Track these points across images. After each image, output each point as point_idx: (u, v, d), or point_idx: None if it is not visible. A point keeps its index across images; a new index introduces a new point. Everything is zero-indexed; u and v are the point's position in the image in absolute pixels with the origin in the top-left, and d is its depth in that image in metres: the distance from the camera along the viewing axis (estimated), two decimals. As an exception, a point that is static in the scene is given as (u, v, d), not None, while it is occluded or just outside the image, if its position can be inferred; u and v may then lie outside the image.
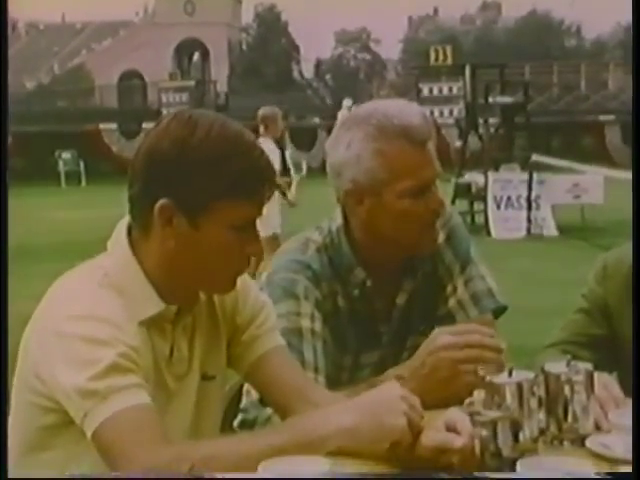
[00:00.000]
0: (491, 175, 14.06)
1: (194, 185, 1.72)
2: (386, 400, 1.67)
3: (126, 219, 1.84)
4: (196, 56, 60.04)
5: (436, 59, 21.55)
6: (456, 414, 1.72)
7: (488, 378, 1.79)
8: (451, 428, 1.69)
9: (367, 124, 2.17)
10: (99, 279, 1.77)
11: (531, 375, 1.83)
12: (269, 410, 2.09)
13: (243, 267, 1.81)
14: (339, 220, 2.30)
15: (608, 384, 2.00)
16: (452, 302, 2.36)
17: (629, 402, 1.94)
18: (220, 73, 52.99)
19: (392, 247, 2.26)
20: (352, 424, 1.64)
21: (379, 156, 2.15)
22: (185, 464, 1.59)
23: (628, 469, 1.61)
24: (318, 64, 73.24)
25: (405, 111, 2.18)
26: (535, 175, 13.80)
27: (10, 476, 1.83)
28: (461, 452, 1.65)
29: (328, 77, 72.90)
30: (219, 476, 1.54)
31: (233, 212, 1.73)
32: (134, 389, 1.67)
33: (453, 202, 13.15)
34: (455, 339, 2.06)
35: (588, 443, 1.81)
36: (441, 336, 2.09)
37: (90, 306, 1.72)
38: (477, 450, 1.65)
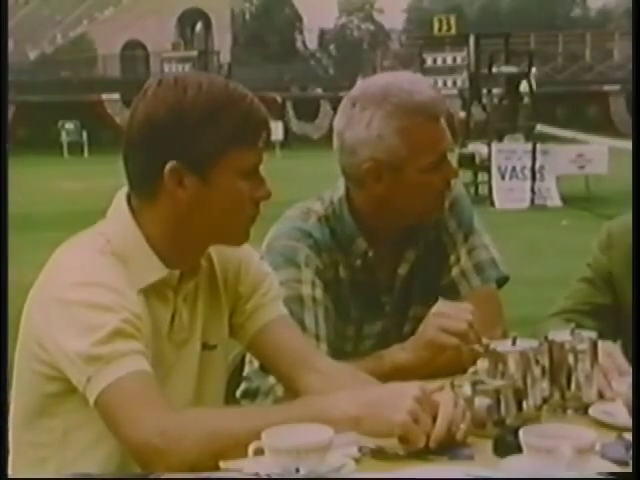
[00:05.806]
0: (495, 145, 14.02)
1: (198, 143, 1.74)
2: (395, 396, 1.65)
3: (125, 189, 1.84)
4: (199, 26, 59.74)
5: (440, 29, 21.34)
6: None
7: (492, 346, 1.79)
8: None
9: (386, 102, 2.16)
10: (100, 246, 1.77)
11: (535, 344, 1.83)
12: (272, 379, 2.08)
13: (255, 214, 1.82)
14: (341, 191, 2.30)
15: (612, 353, 2.00)
16: (455, 272, 2.35)
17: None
18: (223, 43, 52.77)
19: (399, 218, 2.27)
20: (357, 414, 1.64)
21: (401, 134, 2.16)
22: (191, 432, 1.60)
23: (630, 436, 1.61)
24: (321, 34, 72.93)
25: (420, 86, 2.20)
26: (539, 145, 13.77)
27: (10, 475, 1.83)
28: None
29: (331, 47, 72.59)
30: (220, 476, 1.54)
31: (239, 160, 1.76)
32: (137, 355, 1.67)
33: (457, 173, 13.09)
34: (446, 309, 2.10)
35: (591, 411, 1.81)
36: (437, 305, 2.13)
37: (92, 273, 1.72)
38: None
